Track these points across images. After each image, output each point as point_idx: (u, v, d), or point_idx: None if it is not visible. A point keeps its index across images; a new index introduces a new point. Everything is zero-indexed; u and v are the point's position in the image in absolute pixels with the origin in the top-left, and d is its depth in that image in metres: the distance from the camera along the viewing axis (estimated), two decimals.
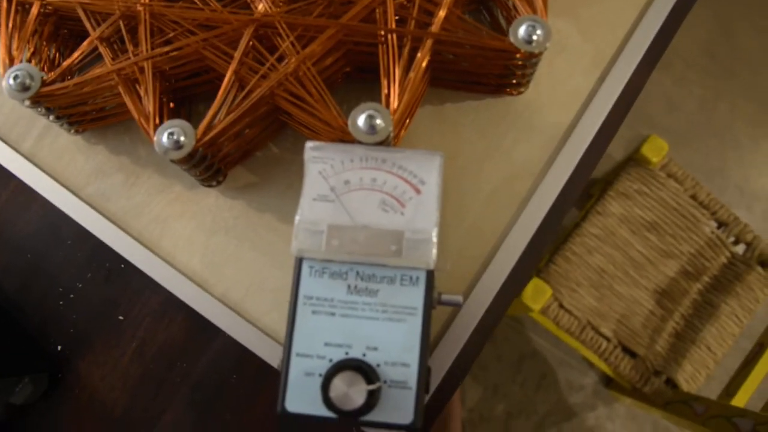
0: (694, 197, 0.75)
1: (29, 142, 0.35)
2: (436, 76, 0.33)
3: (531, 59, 0.29)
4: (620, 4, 0.35)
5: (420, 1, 0.29)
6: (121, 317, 0.35)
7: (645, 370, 0.72)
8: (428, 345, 0.27)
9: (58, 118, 0.32)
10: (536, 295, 0.71)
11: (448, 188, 0.33)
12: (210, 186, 0.34)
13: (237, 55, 0.29)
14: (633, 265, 0.74)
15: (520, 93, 0.34)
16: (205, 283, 0.33)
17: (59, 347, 0.35)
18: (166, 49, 0.29)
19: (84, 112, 0.32)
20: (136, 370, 0.34)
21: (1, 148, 0.35)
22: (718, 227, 0.75)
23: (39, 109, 0.31)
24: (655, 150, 0.75)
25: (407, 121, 0.32)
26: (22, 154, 0.35)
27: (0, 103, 0.36)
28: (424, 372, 0.26)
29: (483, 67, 0.31)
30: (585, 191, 0.97)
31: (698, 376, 0.73)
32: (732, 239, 0.75)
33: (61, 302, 0.36)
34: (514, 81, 0.32)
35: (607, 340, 0.72)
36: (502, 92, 0.33)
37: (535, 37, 0.28)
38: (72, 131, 0.34)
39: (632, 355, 0.73)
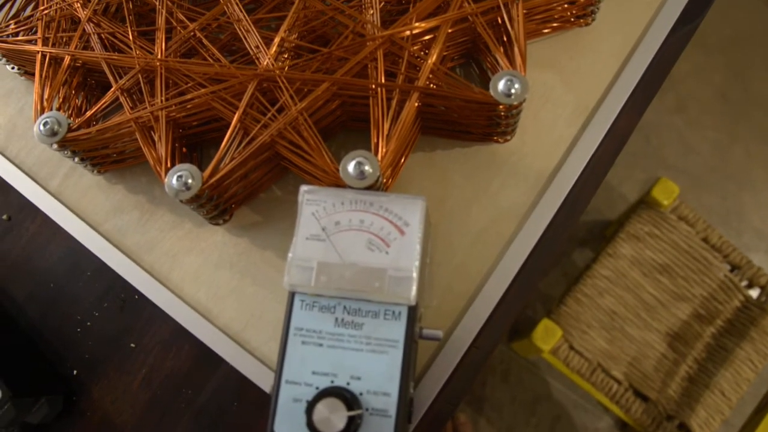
0: (705, 240, 0.75)
1: (56, 181, 0.39)
2: (428, 125, 0.35)
3: (512, 111, 0.32)
4: (602, 56, 0.37)
5: (408, 57, 0.32)
6: (133, 345, 0.38)
7: (657, 414, 0.72)
8: (410, 376, 0.29)
9: (82, 160, 0.35)
10: (546, 335, 0.72)
11: (438, 229, 0.35)
12: (217, 224, 0.36)
13: (241, 105, 0.32)
14: (645, 308, 0.74)
15: (506, 141, 0.36)
16: (209, 313, 0.35)
17: (75, 371, 0.38)
18: (179, 100, 0.32)
19: (105, 155, 0.36)
20: (145, 396, 0.37)
21: (30, 186, 0.38)
22: (731, 270, 0.75)
23: (65, 152, 0.34)
24: (666, 192, 0.76)
25: (399, 165, 0.35)
26: (49, 192, 0.38)
27: (31, 146, 0.39)
28: (405, 402, 0.28)
29: (470, 117, 0.33)
30: (600, 233, 0.98)
31: (712, 421, 0.72)
32: (745, 283, 0.75)
33: (78, 329, 0.38)
34: (499, 129, 0.34)
35: (618, 382, 0.72)
36: (490, 140, 0.36)
37: (513, 91, 0.31)
38: (94, 172, 0.37)
39: (644, 398, 0.72)
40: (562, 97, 0.36)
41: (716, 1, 0.40)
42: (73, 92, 0.35)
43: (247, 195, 0.35)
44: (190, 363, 0.37)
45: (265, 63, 0.32)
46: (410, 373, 0.29)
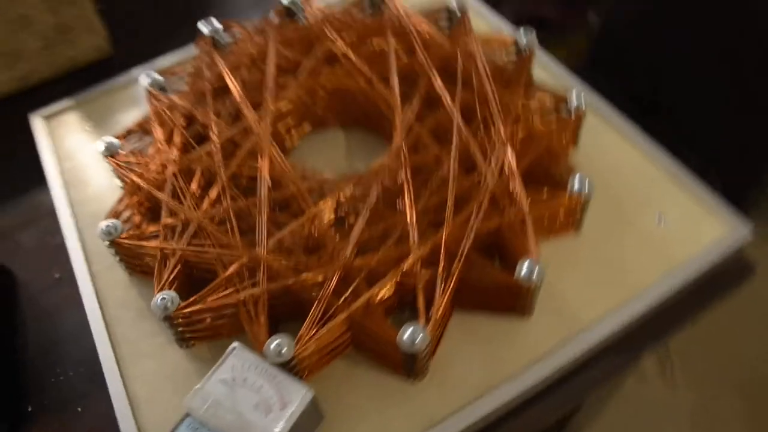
0: None
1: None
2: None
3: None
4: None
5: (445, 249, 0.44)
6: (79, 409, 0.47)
7: None
8: None
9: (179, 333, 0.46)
10: None
11: None
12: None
13: (323, 293, 0.43)
14: None
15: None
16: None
17: (29, 408, 0.48)
18: (273, 286, 0.44)
19: (199, 329, 0.46)
20: None
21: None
22: None
23: (173, 329, 0.45)
24: None
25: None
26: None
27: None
28: None
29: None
30: None
31: None
32: None
33: (52, 379, 0.49)
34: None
35: None
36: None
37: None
38: (184, 346, 0.47)
39: None
40: None
41: None
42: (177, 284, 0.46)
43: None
44: None
45: (340, 256, 0.44)
46: None
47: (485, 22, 0.70)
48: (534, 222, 0.47)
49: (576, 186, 0.48)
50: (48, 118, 0.64)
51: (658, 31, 1.00)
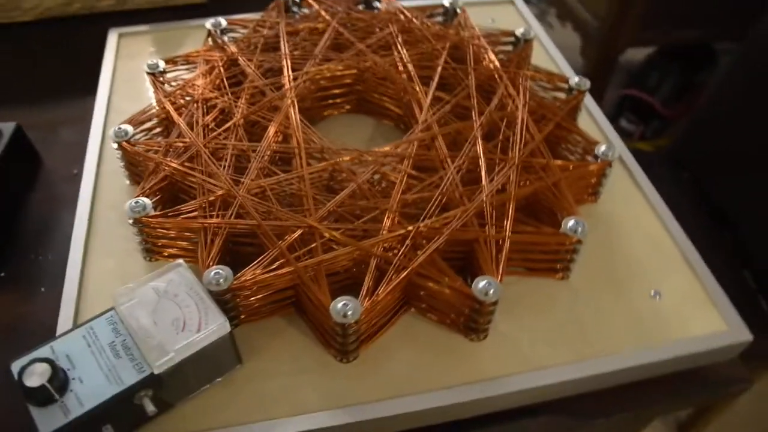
0: None
1: None
2: None
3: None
4: None
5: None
6: None
7: None
8: (112, 412, 0.36)
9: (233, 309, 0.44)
10: None
11: None
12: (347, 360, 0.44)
13: (369, 271, 0.43)
14: None
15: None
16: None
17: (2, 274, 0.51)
18: (328, 256, 0.43)
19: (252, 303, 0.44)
20: None
21: None
22: None
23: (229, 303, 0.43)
24: None
25: None
26: None
27: None
28: (85, 421, 0.35)
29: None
30: None
31: None
32: None
33: (32, 256, 0.52)
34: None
35: None
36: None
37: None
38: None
39: None
40: None
41: None
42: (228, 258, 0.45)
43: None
44: None
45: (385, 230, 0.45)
46: (113, 416, 0.36)
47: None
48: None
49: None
50: (122, 35, 0.69)
51: (743, 144, 0.95)
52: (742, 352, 0.48)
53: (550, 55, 0.70)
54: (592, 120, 0.63)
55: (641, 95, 1.64)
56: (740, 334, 0.47)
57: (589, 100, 0.64)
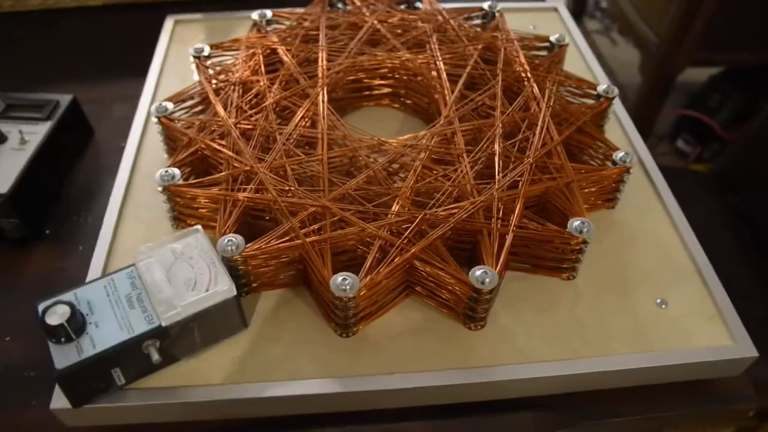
0: None
1: None
2: None
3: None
4: None
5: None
6: None
7: None
8: (123, 361, 0.40)
9: (242, 277, 0.46)
10: None
11: None
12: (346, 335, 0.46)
13: (374, 250, 0.45)
14: None
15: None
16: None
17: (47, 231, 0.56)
18: (335, 234, 0.45)
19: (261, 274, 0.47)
20: None
21: None
22: None
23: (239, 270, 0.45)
24: None
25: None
26: None
27: None
28: (101, 363, 0.39)
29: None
30: None
31: None
32: None
33: (75, 217, 0.56)
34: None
35: None
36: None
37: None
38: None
39: None
40: None
41: None
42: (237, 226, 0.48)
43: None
44: None
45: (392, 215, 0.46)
46: (121, 361, 0.40)
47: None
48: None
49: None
50: (177, 22, 0.73)
51: None
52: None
53: (587, 63, 0.70)
54: (621, 128, 0.63)
55: (700, 116, 1.60)
56: (746, 349, 0.46)
57: (620, 109, 0.64)
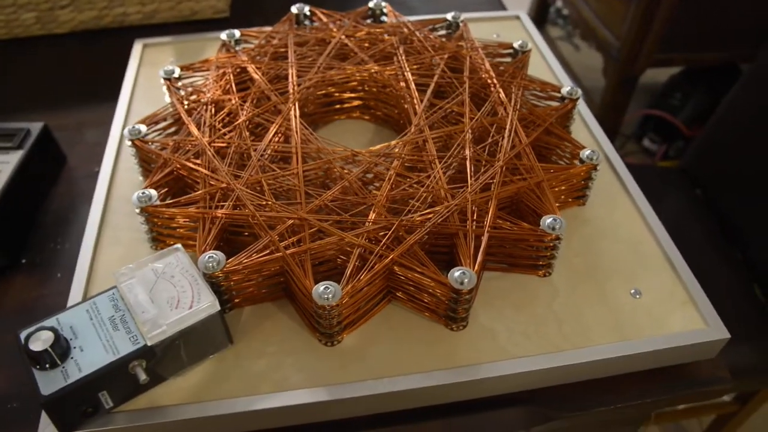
0: None
1: None
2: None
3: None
4: None
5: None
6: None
7: None
8: (104, 384, 0.39)
9: (225, 292, 0.47)
10: None
11: None
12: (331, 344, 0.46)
13: (353, 258, 0.45)
14: None
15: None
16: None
17: (23, 261, 0.55)
18: (315, 245, 0.46)
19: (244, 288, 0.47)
20: None
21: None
22: None
23: (222, 286, 0.47)
24: None
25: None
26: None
27: None
28: (80, 389, 0.39)
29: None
30: None
31: None
32: None
33: (51, 245, 0.56)
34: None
35: None
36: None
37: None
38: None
39: None
40: None
41: None
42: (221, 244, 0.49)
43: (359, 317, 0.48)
44: None
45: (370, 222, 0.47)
46: (108, 383, 0.40)
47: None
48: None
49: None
50: (146, 46, 0.74)
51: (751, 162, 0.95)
52: (757, 366, 0.49)
53: (551, 68, 0.72)
54: (587, 129, 0.65)
55: (663, 115, 1.64)
56: (718, 332, 0.48)
57: (585, 110, 0.66)
